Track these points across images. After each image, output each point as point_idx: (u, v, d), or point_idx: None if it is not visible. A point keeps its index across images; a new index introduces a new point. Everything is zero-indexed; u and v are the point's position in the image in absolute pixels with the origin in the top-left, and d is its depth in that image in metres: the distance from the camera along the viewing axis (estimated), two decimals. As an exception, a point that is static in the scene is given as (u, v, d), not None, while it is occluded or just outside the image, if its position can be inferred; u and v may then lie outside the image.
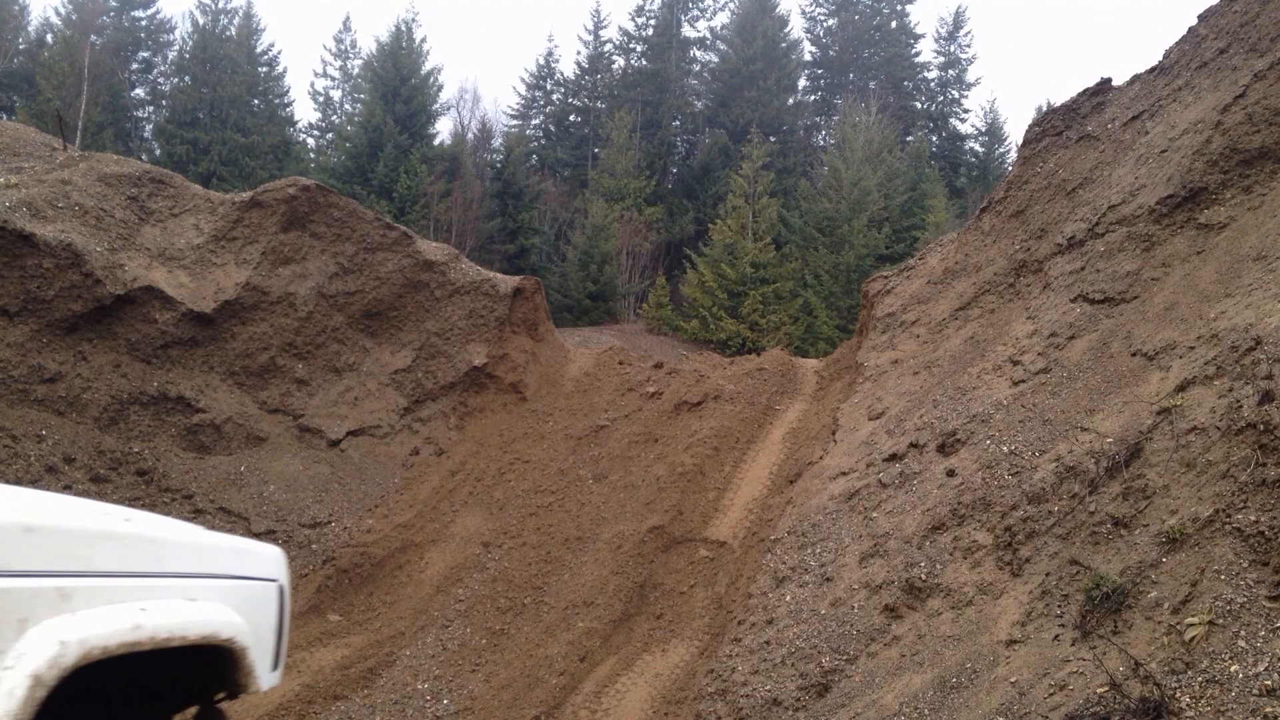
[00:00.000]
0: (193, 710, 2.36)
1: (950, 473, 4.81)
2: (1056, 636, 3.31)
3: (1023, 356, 5.35)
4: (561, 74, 47.89)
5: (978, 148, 49.74)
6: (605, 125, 39.96)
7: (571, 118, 45.08)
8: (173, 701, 2.36)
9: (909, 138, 46.49)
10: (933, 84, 52.73)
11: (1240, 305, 4.09)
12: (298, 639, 5.78)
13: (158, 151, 37.66)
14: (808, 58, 51.45)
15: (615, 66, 46.79)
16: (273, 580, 2.47)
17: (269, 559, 2.54)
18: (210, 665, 2.22)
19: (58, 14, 40.68)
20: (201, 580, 2.25)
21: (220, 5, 42.70)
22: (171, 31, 44.59)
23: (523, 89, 47.93)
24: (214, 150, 37.04)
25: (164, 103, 40.83)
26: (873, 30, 51.80)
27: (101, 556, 2.02)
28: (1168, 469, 3.46)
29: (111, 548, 2.08)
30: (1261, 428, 3.10)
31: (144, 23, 44.53)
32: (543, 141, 45.42)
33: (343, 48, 47.50)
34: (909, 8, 52.06)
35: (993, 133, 48.32)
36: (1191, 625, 2.72)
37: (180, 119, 38.06)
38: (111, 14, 42.39)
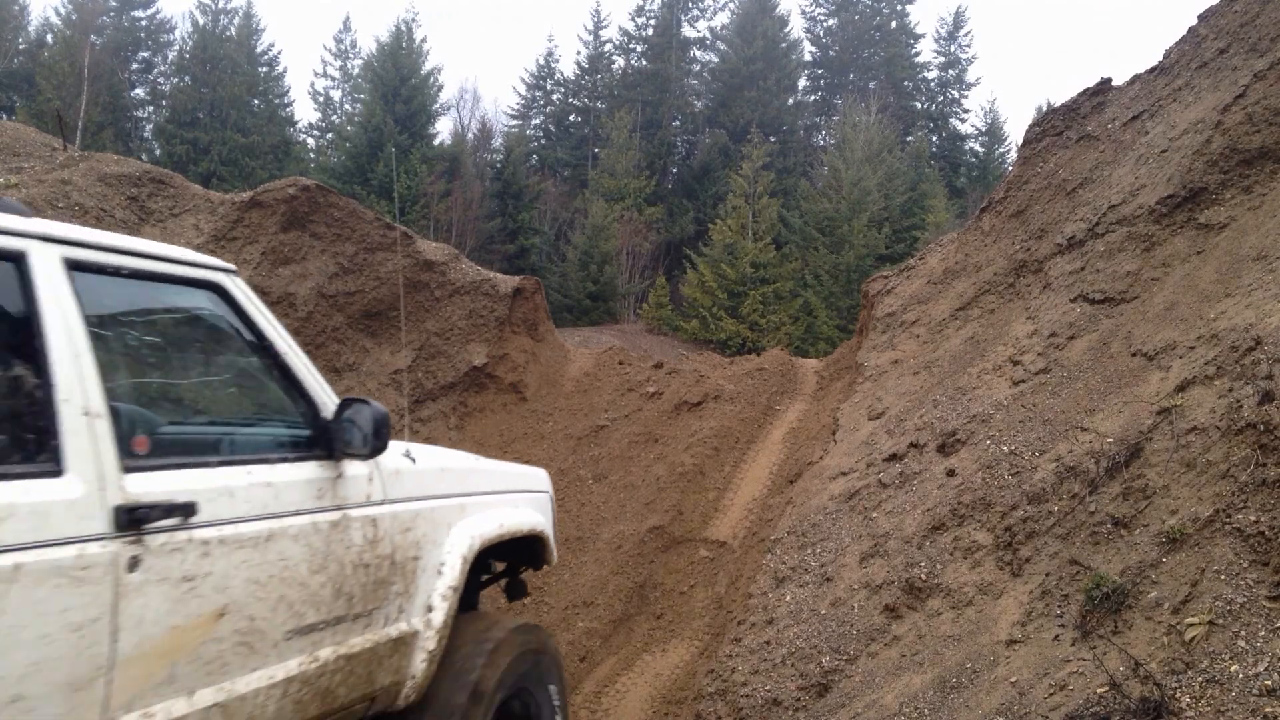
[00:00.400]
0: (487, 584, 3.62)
1: (950, 473, 4.81)
2: (1056, 636, 3.31)
3: (1023, 356, 5.35)
4: (561, 74, 47.82)
5: (978, 148, 49.73)
6: (605, 125, 39.98)
7: (571, 118, 45.09)
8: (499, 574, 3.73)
9: (909, 138, 46.51)
10: (933, 84, 52.72)
11: (1240, 305, 4.09)
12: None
13: (158, 151, 37.69)
14: (808, 58, 51.44)
15: (615, 66, 46.76)
16: (547, 492, 3.82)
17: (544, 478, 3.85)
18: (523, 549, 3.57)
19: (58, 14, 40.69)
20: (520, 494, 3.54)
21: (220, 5, 42.70)
22: (171, 31, 44.56)
23: (523, 89, 47.88)
24: (214, 150, 37.06)
25: (164, 103, 40.85)
26: (873, 30, 51.81)
27: (475, 483, 3.25)
28: (1168, 469, 3.46)
29: (478, 477, 3.33)
30: (1261, 428, 3.10)
31: (144, 23, 44.55)
32: (543, 141, 45.41)
33: (343, 48, 47.48)
34: (909, 8, 52.03)
35: (993, 133, 48.32)
36: (1191, 625, 2.72)
37: (180, 119, 38.08)
38: (111, 14, 42.41)
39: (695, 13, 48.33)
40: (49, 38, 41.14)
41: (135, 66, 43.61)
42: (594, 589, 5.54)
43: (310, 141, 45.75)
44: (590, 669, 4.90)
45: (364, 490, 2.69)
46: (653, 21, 47.27)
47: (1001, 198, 7.04)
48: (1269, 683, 2.41)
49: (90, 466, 1.83)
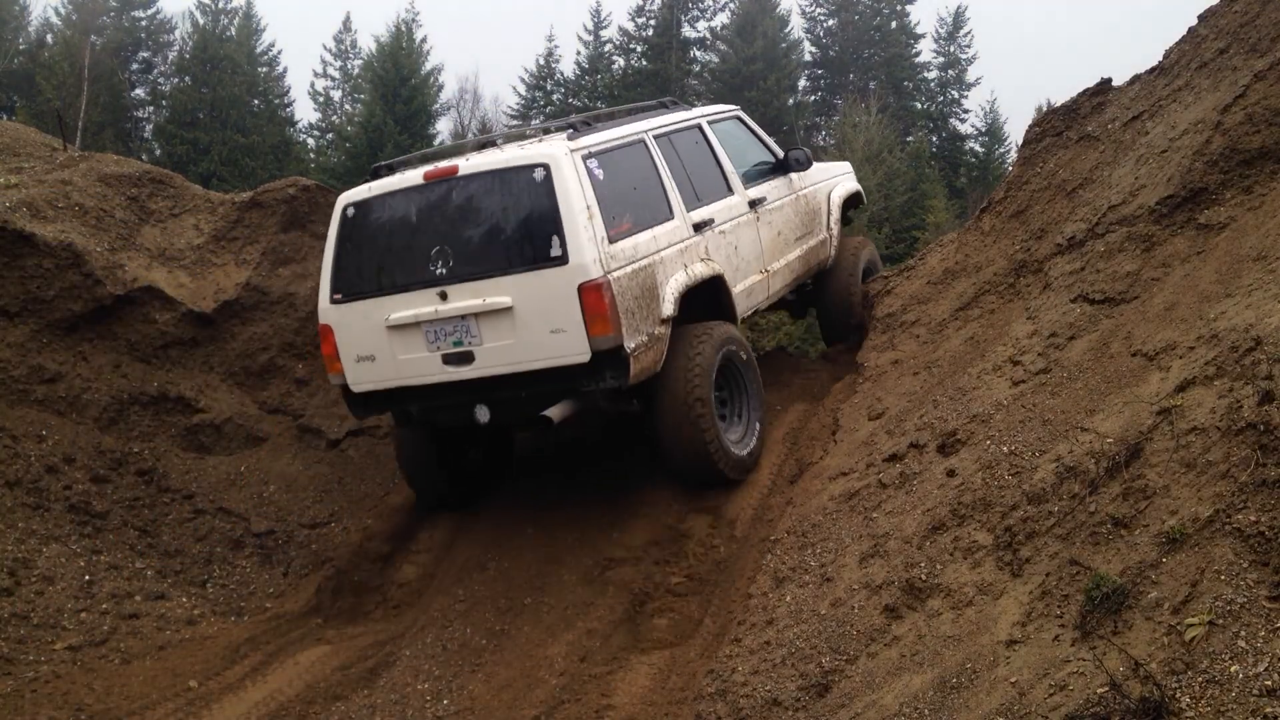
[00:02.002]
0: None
1: (950, 473, 4.81)
2: (1056, 637, 3.31)
3: (1023, 357, 5.35)
4: (561, 74, 47.82)
5: (978, 148, 49.70)
6: (605, 125, 39.84)
7: (572, 118, 44.86)
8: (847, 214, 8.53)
9: (909, 138, 46.49)
10: (933, 84, 52.71)
11: (1240, 305, 4.09)
12: (297, 639, 5.79)
13: (158, 152, 37.67)
14: (808, 58, 51.43)
15: (615, 67, 46.79)
16: (851, 171, 8.88)
17: (849, 166, 8.87)
18: (854, 202, 8.63)
19: (58, 14, 40.73)
20: (847, 175, 8.76)
21: (220, 5, 42.70)
22: (171, 32, 44.57)
23: (523, 89, 47.82)
24: (214, 150, 37.04)
25: (164, 103, 40.84)
26: (873, 30, 51.79)
27: (834, 171, 8.59)
28: (1168, 469, 3.47)
29: (834, 169, 8.61)
30: (1261, 428, 3.10)
31: (144, 23, 44.53)
32: (543, 142, 45.12)
33: (343, 48, 47.48)
34: (909, 8, 52.04)
35: (993, 133, 48.31)
36: (1191, 625, 2.72)
37: (180, 119, 38.06)
38: (111, 14, 42.41)
39: (695, 13, 48.26)
40: (49, 38, 41.10)
41: (135, 66, 43.55)
42: (594, 589, 5.54)
43: (310, 141, 45.70)
44: (590, 669, 4.90)
45: (798, 183, 7.63)
46: (653, 22, 47.21)
47: (1001, 198, 7.04)
48: (1269, 683, 2.41)
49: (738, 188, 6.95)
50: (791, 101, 45.51)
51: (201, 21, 39.92)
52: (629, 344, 5.30)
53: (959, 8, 47.85)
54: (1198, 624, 2.70)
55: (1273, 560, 2.73)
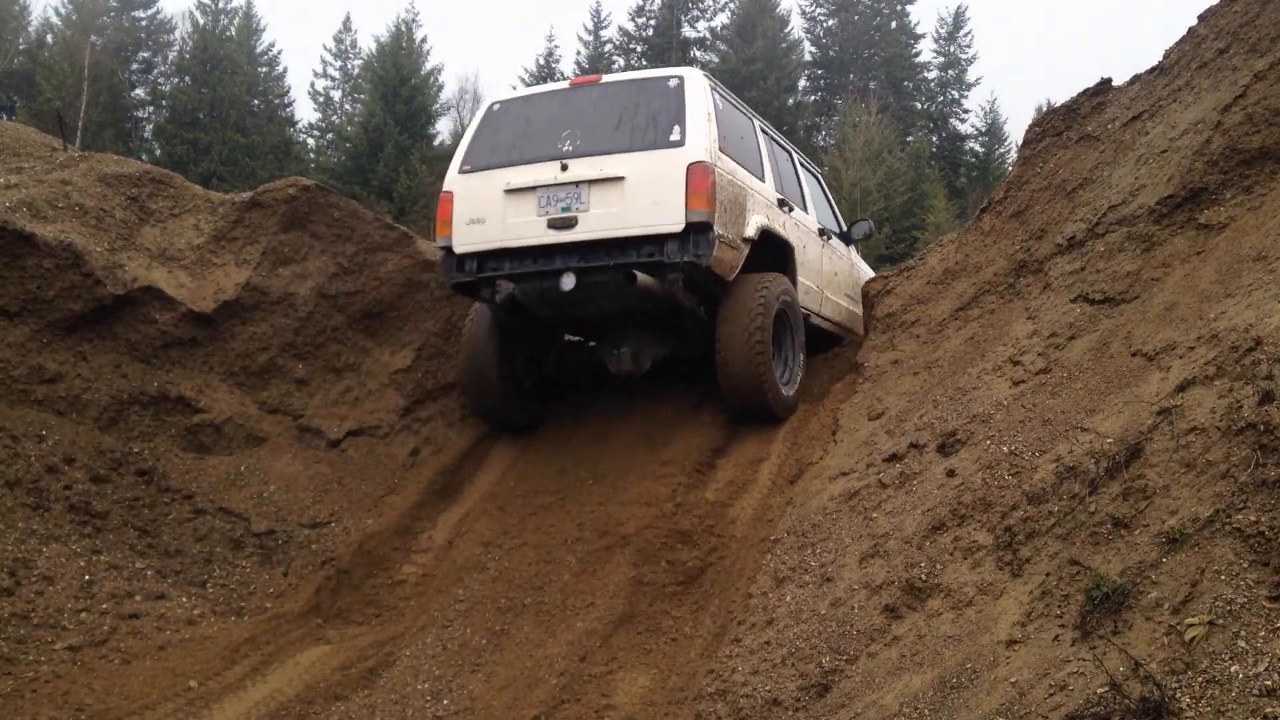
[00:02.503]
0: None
1: (950, 473, 4.82)
2: (1056, 637, 3.31)
3: (1023, 357, 5.35)
4: (562, 74, 47.78)
5: (978, 148, 49.65)
6: (605, 125, 39.81)
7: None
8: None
9: (909, 138, 46.45)
10: (933, 84, 52.65)
11: (1240, 305, 4.09)
12: (297, 639, 5.79)
13: (158, 152, 37.64)
14: (808, 58, 51.38)
15: (615, 67, 46.73)
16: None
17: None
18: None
19: (58, 14, 40.71)
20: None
21: (220, 5, 42.66)
22: (171, 32, 44.53)
23: (523, 89, 47.83)
24: (214, 150, 36.99)
25: (164, 103, 40.80)
26: (873, 30, 51.75)
27: (860, 262, 9.56)
28: (1168, 469, 3.47)
29: (857, 262, 9.45)
30: (1261, 428, 3.10)
31: (144, 23, 44.49)
32: (543, 141, 45.09)
33: (343, 48, 47.43)
34: (909, 8, 51.99)
35: (993, 133, 48.27)
36: (1191, 625, 2.72)
37: (180, 119, 38.01)
38: (111, 14, 42.38)
39: (695, 13, 48.21)
40: (49, 38, 41.07)
41: (135, 66, 43.53)
42: (594, 589, 5.54)
43: (310, 141, 45.66)
44: (590, 669, 4.90)
45: (852, 255, 9.10)
46: (653, 22, 47.18)
47: (1001, 198, 7.04)
48: (1269, 683, 2.41)
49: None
50: (791, 101, 45.48)
51: (201, 21, 39.90)
52: (717, 228, 6.11)
53: (959, 8, 47.88)
54: (1198, 624, 2.70)
55: (1273, 560, 2.73)
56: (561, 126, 6.49)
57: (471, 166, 6.64)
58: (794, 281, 7.30)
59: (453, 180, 6.69)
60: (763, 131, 7.56)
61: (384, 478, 7.35)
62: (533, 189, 6.29)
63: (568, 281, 6.15)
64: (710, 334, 6.59)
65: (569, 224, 6.18)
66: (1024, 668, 3.27)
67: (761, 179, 7.13)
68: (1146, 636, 2.87)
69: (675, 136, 6.14)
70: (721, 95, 6.78)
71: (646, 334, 6.87)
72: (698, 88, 6.37)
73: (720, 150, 6.31)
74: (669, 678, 4.80)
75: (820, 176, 9.18)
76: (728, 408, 6.86)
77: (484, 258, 6.50)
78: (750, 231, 6.61)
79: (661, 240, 6.05)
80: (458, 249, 6.55)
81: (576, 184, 6.17)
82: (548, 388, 7.62)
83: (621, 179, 6.08)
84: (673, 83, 6.43)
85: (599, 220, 6.13)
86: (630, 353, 6.85)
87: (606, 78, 6.89)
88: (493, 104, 6.98)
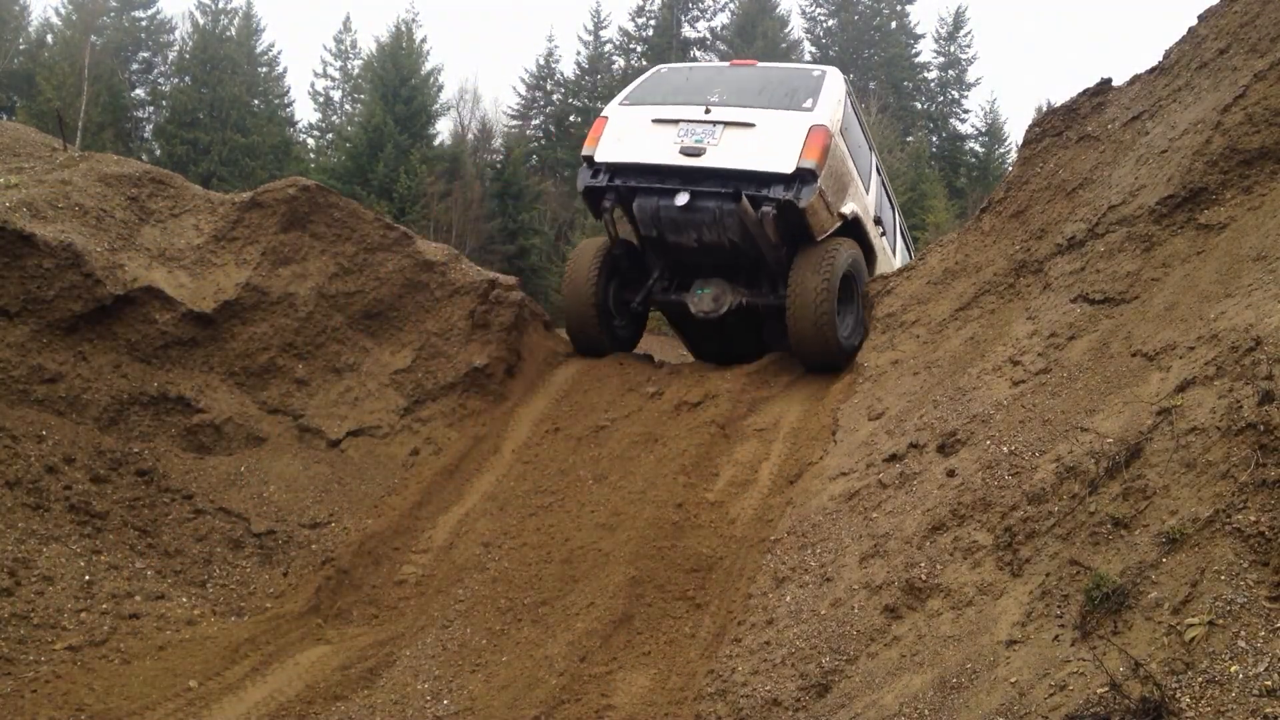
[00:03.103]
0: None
1: (950, 473, 4.81)
2: (1056, 637, 3.31)
3: (1023, 357, 5.35)
4: (561, 74, 47.75)
5: (978, 148, 49.62)
6: (605, 125, 39.74)
7: (572, 118, 44.94)
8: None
9: (909, 138, 46.43)
10: (933, 84, 52.63)
11: (1240, 305, 4.09)
12: (297, 639, 5.79)
13: (158, 152, 37.63)
14: (808, 58, 51.37)
15: (615, 67, 46.72)
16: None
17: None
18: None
19: (58, 14, 40.71)
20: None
21: (220, 5, 42.62)
22: (171, 32, 44.49)
23: (523, 89, 47.75)
24: (214, 151, 36.94)
25: (164, 103, 40.77)
26: (873, 30, 51.75)
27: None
28: (1168, 469, 3.47)
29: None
30: (1261, 428, 3.10)
31: (144, 23, 44.44)
32: (543, 142, 45.21)
33: (343, 48, 47.40)
34: (909, 8, 51.99)
35: (993, 133, 48.24)
36: (1191, 625, 2.72)
37: (180, 119, 37.96)
38: (111, 14, 42.34)
39: (695, 13, 48.18)
40: (49, 38, 41.06)
41: (135, 66, 43.51)
42: (594, 589, 5.54)
43: (310, 142, 45.65)
44: (590, 669, 4.90)
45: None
46: (653, 22, 47.14)
47: (1001, 198, 7.04)
48: (1269, 683, 2.41)
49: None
50: (791, 101, 45.44)
51: (201, 21, 39.88)
52: (820, 182, 7.20)
53: (959, 8, 47.87)
54: (1198, 624, 2.71)
55: (1273, 560, 2.74)
56: (713, 87, 7.84)
57: (630, 102, 8.03)
58: (871, 253, 8.50)
59: (611, 109, 8.05)
60: (878, 167, 8.95)
61: (384, 478, 7.34)
62: (675, 122, 7.55)
63: (681, 198, 7.28)
64: (783, 289, 7.57)
65: (697, 153, 7.34)
66: (1024, 668, 3.27)
67: (866, 190, 8.31)
68: (1146, 636, 2.87)
69: (807, 105, 7.40)
70: (853, 104, 8.20)
71: (728, 281, 7.90)
72: (836, 80, 7.84)
73: (839, 132, 7.51)
74: (669, 678, 4.80)
75: (913, 247, 10.59)
76: (795, 352, 7.75)
77: (618, 170, 7.68)
78: (846, 209, 7.74)
79: (770, 179, 7.17)
80: (599, 158, 7.74)
81: (714, 123, 7.42)
82: (637, 321, 8.93)
83: (752, 125, 7.34)
84: (816, 72, 7.95)
85: (723, 154, 7.29)
86: (712, 295, 7.83)
87: (761, 64, 8.76)
88: (660, 67, 8.68)
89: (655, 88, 8.15)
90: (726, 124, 7.39)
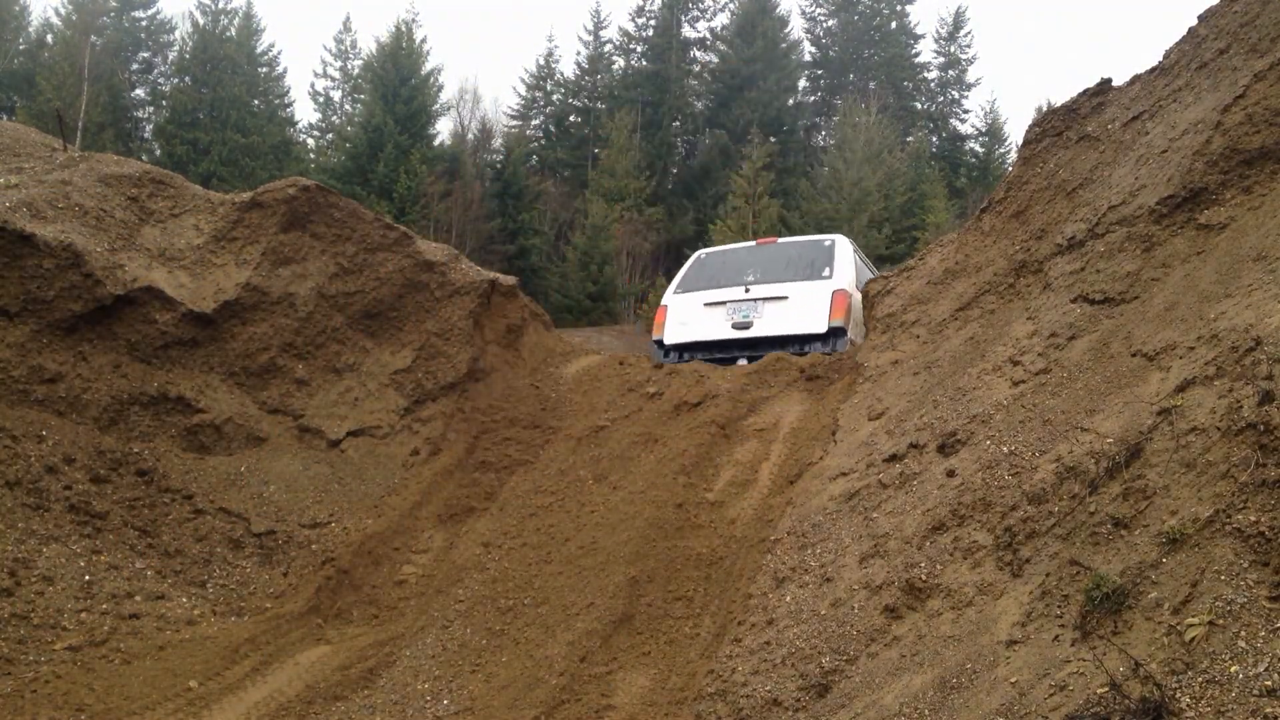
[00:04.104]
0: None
1: (950, 473, 4.81)
2: (1056, 637, 3.31)
3: (1023, 357, 5.35)
4: (561, 74, 47.75)
5: (978, 148, 49.62)
6: (605, 126, 39.87)
7: (571, 118, 44.99)
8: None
9: (909, 138, 46.44)
10: (933, 84, 52.63)
11: (1240, 305, 4.09)
12: (297, 639, 5.79)
13: (158, 152, 37.63)
14: (808, 58, 51.35)
15: (615, 67, 46.73)
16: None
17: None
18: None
19: (58, 14, 40.71)
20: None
21: (220, 5, 42.62)
22: (171, 32, 44.49)
23: (523, 89, 47.79)
24: (214, 151, 36.95)
25: (164, 103, 40.78)
26: (873, 30, 51.72)
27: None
28: (1168, 469, 3.46)
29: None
30: (1261, 428, 3.10)
31: (144, 23, 44.44)
32: (543, 142, 45.22)
33: (343, 48, 47.40)
34: (909, 8, 52.02)
35: (993, 133, 48.24)
36: (1192, 626, 2.72)
37: (180, 119, 37.97)
38: (111, 14, 42.33)
39: (695, 13, 48.18)
40: (49, 38, 41.06)
41: (135, 67, 43.52)
42: (594, 589, 5.54)
43: (310, 142, 45.67)
44: (590, 669, 4.90)
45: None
46: (653, 22, 47.14)
47: (1001, 198, 7.04)
48: (1269, 683, 2.41)
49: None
50: (791, 102, 45.46)
51: (201, 22, 39.88)
52: (849, 334, 8.75)
53: (959, 8, 47.87)
54: (1198, 624, 2.70)
55: (1273, 560, 2.73)
56: (748, 268, 9.57)
57: (682, 289, 9.74)
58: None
59: (668, 298, 9.80)
60: (871, 269, 10.46)
61: (384, 478, 7.35)
62: (724, 303, 9.26)
63: (741, 363, 8.76)
64: None
65: (746, 326, 9.08)
66: (1024, 668, 3.27)
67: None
68: (1146, 636, 2.87)
69: (826, 274, 9.12)
70: (857, 252, 9.83)
71: None
72: (844, 246, 9.55)
73: (854, 288, 9.04)
74: (669, 678, 4.80)
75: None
76: None
77: (684, 348, 9.38)
78: (857, 335, 8.97)
79: (808, 339, 8.82)
80: (668, 341, 9.43)
81: (755, 300, 9.12)
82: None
83: (786, 298, 9.00)
84: (827, 242, 9.64)
85: (767, 324, 9.00)
86: None
87: (781, 240, 10.54)
88: (699, 254, 10.43)
89: (699, 274, 9.83)
90: (765, 299, 9.09)
